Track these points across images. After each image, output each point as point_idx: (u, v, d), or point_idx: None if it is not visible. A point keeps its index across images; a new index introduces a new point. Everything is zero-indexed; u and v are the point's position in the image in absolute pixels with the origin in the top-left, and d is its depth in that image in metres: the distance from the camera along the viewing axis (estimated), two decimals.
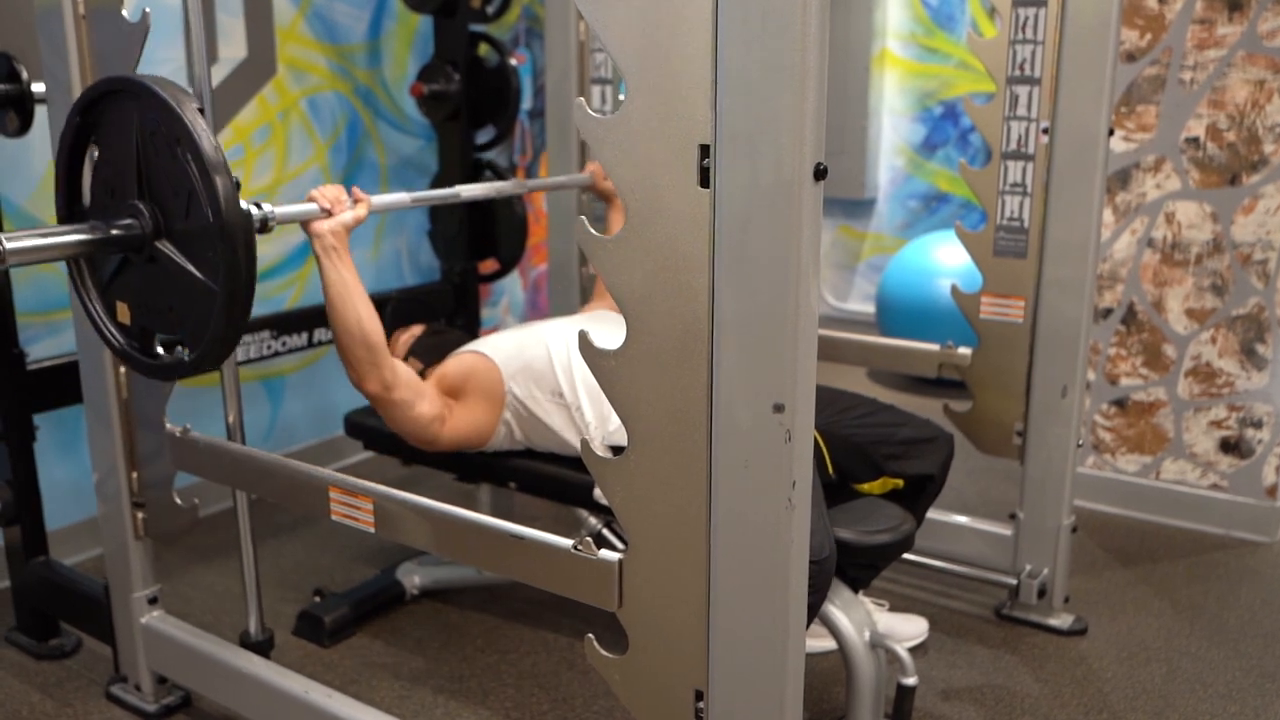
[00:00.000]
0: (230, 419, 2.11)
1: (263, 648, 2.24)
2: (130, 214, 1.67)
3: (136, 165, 1.66)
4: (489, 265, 3.65)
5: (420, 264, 3.91)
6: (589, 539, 1.47)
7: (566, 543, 1.50)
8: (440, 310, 3.61)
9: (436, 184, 3.63)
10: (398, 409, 2.18)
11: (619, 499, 1.40)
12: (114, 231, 1.67)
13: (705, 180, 1.21)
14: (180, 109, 1.57)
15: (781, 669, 1.32)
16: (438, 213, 3.64)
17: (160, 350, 1.80)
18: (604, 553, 1.45)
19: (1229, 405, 3.15)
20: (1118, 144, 3.13)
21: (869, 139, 5.41)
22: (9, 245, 1.57)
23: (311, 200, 2.05)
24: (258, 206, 1.85)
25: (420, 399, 2.21)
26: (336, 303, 2.07)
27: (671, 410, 1.31)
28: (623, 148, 1.27)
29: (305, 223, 2.05)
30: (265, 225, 1.86)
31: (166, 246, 1.67)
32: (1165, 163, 3.10)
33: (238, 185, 1.59)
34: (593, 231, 1.32)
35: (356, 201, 2.10)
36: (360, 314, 2.08)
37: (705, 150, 1.20)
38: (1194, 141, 3.05)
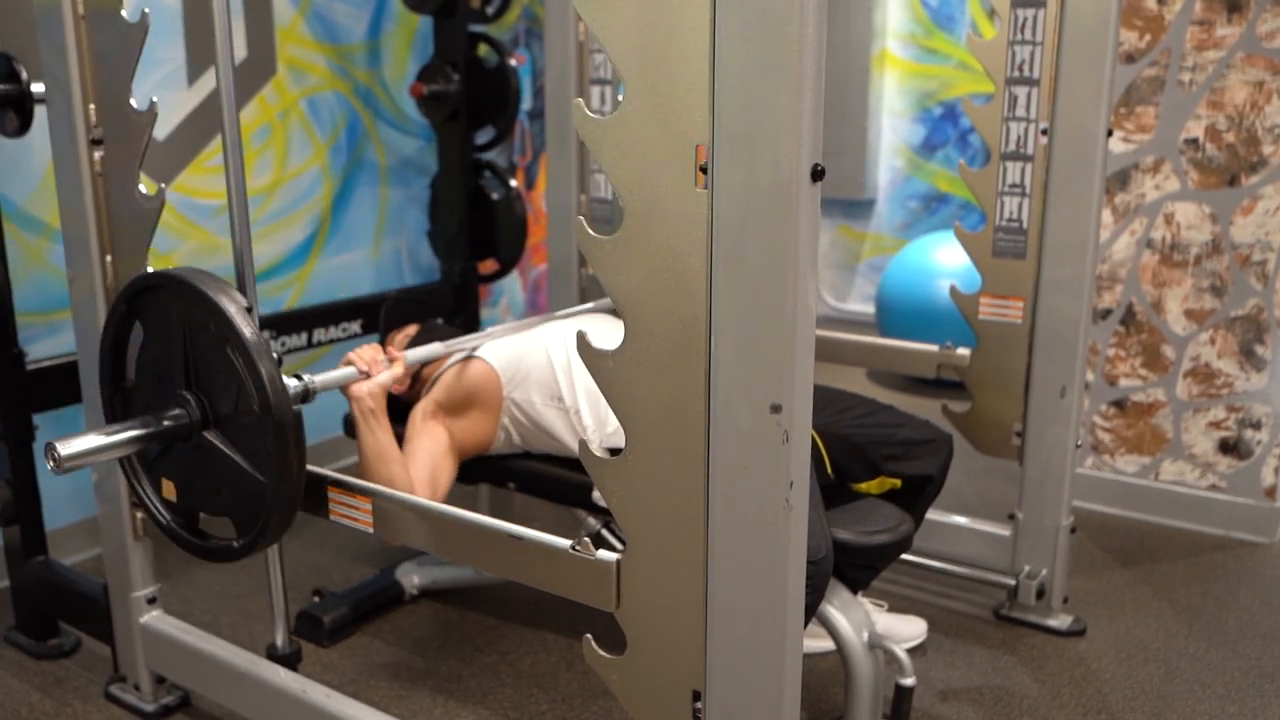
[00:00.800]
0: None
1: (290, 660, 2.21)
2: (179, 404, 1.72)
3: (184, 355, 1.70)
4: (489, 265, 3.65)
5: (420, 264, 3.92)
6: (587, 540, 1.47)
7: (565, 543, 1.50)
8: (440, 310, 3.61)
9: (436, 184, 3.63)
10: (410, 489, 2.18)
11: (617, 499, 1.40)
12: (165, 423, 1.71)
13: (703, 181, 1.21)
14: (226, 310, 1.62)
15: (779, 669, 1.32)
16: (437, 212, 3.64)
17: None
18: (602, 553, 1.45)
19: (1228, 406, 3.15)
20: (1117, 145, 3.13)
21: (868, 139, 5.41)
22: (64, 451, 1.62)
23: (349, 363, 2.11)
24: (298, 378, 1.83)
25: (439, 476, 2.22)
26: (369, 463, 2.11)
27: (669, 411, 1.31)
28: (621, 148, 1.27)
29: (344, 387, 2.10)
30: (307, 397, 1.85)
31: (215, 436, 1.71)
32: (1164, 164, 3.10)
33: (280, 362, 1.63)
34: (591, 232, 1.32)
35: (392, 361, 2.15)
36: (393, 475, 2.11)
37: (703, 151, 1.21)
38: (1193, 142, 3.05)
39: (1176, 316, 3.17)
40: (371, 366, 2.10)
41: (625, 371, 1.34)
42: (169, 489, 1.82)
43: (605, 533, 2.30)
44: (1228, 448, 3.17)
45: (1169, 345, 3.19)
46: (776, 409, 1.21)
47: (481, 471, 2.46)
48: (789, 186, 1.16)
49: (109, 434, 1.70)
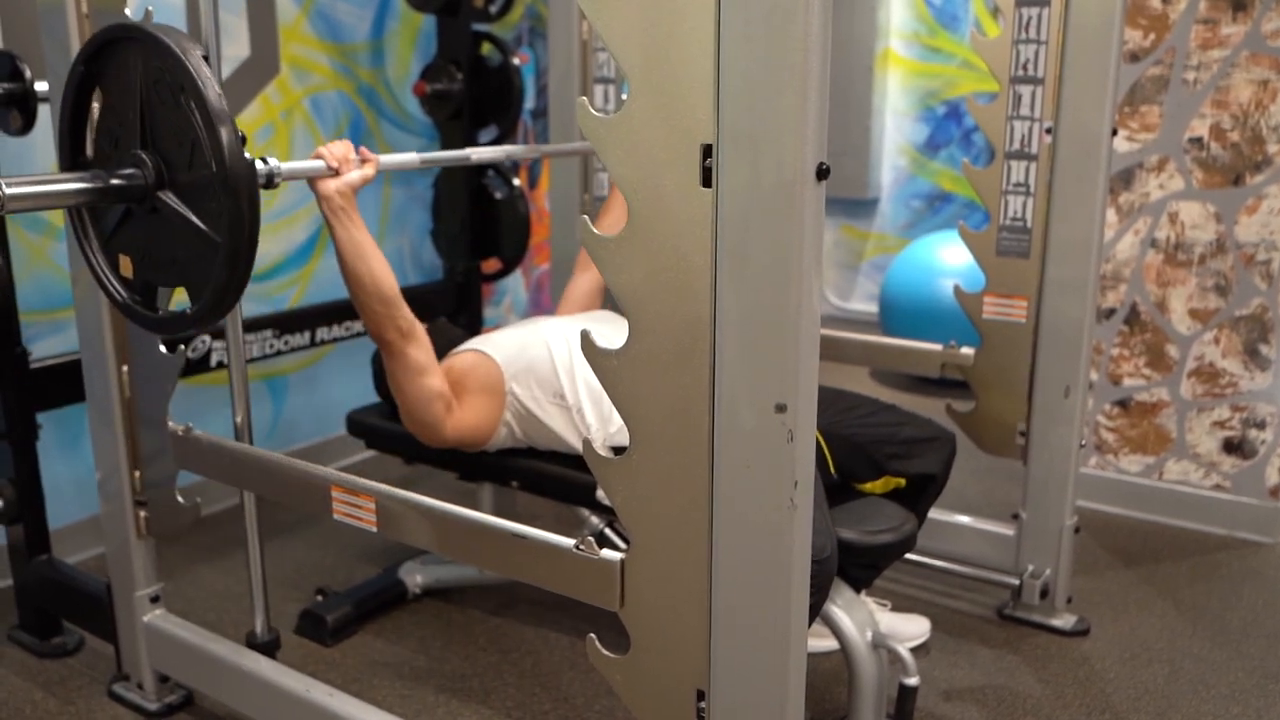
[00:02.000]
0: (239, 419, 2.11)
1: (269, 648, 2.24)
2: (133, 164, 1.63)
3: (140, 115, 1.62)
4: (492, 264, 3.65)
5: (423, 263, 3.92)
6: (591, 539, 1.47)
7: (568, 542, 1.49)
8: (443, 309, 3.61)
9: (439, 183, 3.63)
10: (411, 369, 2.18)
11: (621, 498, 1.40)
12: (116, 181, 1.63)
13: (707, 180, 1.21)
14: (185, 56, 1.53)
15: (783, 669, 1.31)
16: (440, 212, 3.64)
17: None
18: (606, 552, 1.45)
19: (1232, 406, 3.14)
20: (1121, 144, 3.13)
21: (872, 139, 5.40)
22: (9, 191, 1.54)
23: (319, 157, 2.03)
24: (264, 161, 1.84)
25: (434, 372, 2.22)
26: (349, 260, 2.09)
27: (673, 410, 1.31)
28: (625, 147, 1.26)
29: (312, 182, 2.03)
30: (271, 181, 1.86)
31: (169, 197, 1.63)
32: (1168, 163, 3.10)
33: (243, 139, 1.56)
34: (595, 231, 1.32)
35: (364, 161, 2.08)
36: (373, 269, 2.09)
37: (707, 150, 1.20)
38: (1197, 141, 3.04)
39: (1181, 316, 3.16)
40: (342, 164, 2.03)
41: (629, 370, 1.33)
42: (126, 266, 1.75)
43: (609, 532, 2.30)
44: (1232, 447, 3.17)
45: (1173, 345, 3.19)
46: (781, 408, 1.21)
47: (484, 470, 2.46)
48: (793, 186, 1.15)
49: (61, 181, 1.63)
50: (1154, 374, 3.24)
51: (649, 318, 1.30)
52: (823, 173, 1.15)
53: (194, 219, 1.61)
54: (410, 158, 2.28)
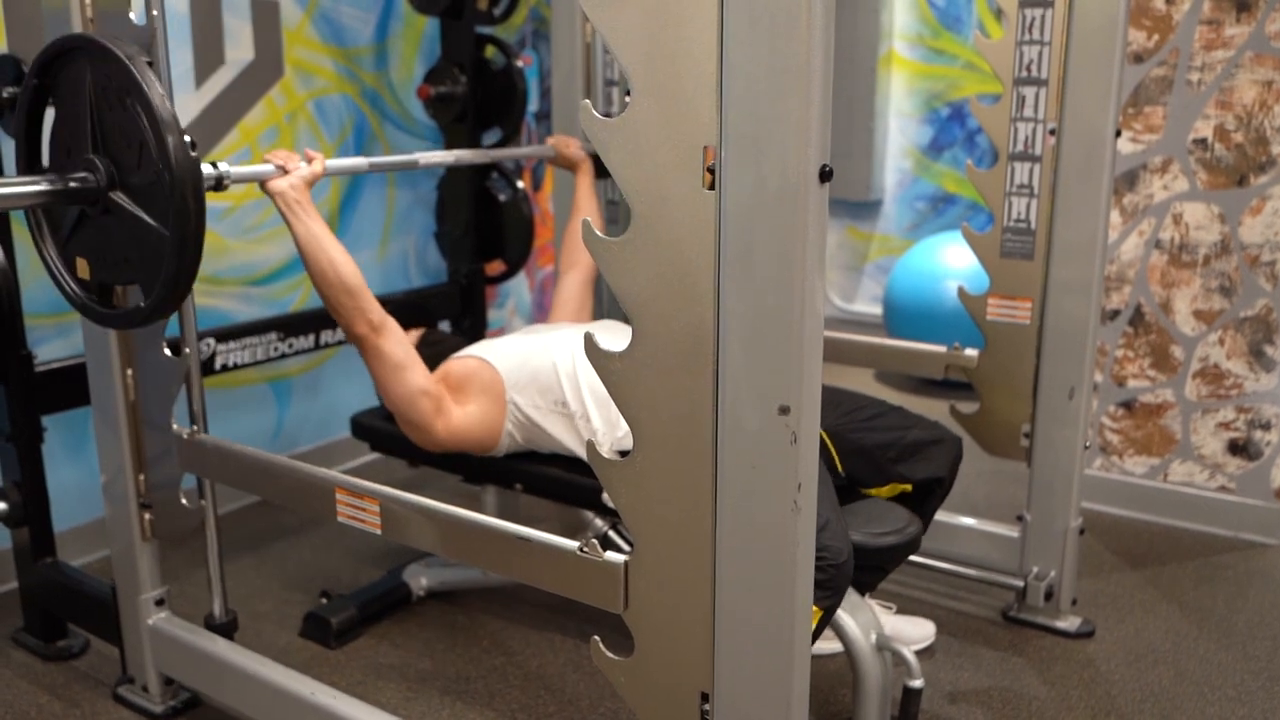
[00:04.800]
0: (194, 406, 2.10)
1: (227, 630, 2.25)
2: (85, 167, 1.71)
3: (90, 120, 1.70)
4: (495, 267, 3.65)
5: (428, 265, 3.92)
6: (595, 541, 1.47)
7: (572, 545, 1.49)
8: (447, 312, 3.61)
9: (443, 185, 3.63)
10: (388, 364, 2.22)
11: (625, 501, 1.40)
12: (70, 184, 1.71)
13: (711, 183, 1.21)
14: (129, 61, 1.61)
15: (788, 671, 1.31)
16: (444, 214, 3.64)
17: None
18: (610, 555, 1.45)
19: (1237, 407, 3.14)
20: (1125, 145, 3.12)
21: (876, 140, 5.40)
22: None
23: (266, 161, 2.13)
24: (214, 165, 1.91)
25: (414, 367, 2.25)
26: (308, 253, 2.14)
27: (677, 413, 1.31)
28: (628, 150, 1.27)
29: (263, 183, 2.12)
30: (220, 183, 1.93)
31: (121, 198, 1.70)
32: (1173, 164, 3.09)
33: (193, 145, 1.63)
34: (599, 234, 1.32)
35: (310, 160, 2.17)
36: (334, 259, 2.14)
37: (711, 152, 1.20)
38: (1201, 143, 3.04)
39: (1185, 317, 3.16)
40: (287, 161, 2.13)
41: (633, 373, 1.33)
42: (83, 268, 1.83)
43: (613, 534, 2.30)
44: (1237, 449, 3.16)
45: (1178, 346, 3.18)
46: (785, 410, 1.21)
47: (488, 473, 2.46)
48: (797, 188, 1.15)
49: (16, 184, 1.70)
50: (1158, 375, 3.23)
51: (652, 321, 1.30)
52: (826, 175, 1.15)
53: (145, 217, 1.68)
54: (359, 162, 2.40)
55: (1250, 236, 3.02)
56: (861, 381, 4.62)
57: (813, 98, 1.13)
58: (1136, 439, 3.31)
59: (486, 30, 3.45)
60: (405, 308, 3.54)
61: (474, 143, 3.42)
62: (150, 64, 1.63)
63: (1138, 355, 3.25)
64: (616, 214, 3.35)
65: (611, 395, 1.37)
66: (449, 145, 3.49)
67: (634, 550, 1.41)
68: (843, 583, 1.81)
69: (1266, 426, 3.10)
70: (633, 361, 1.33)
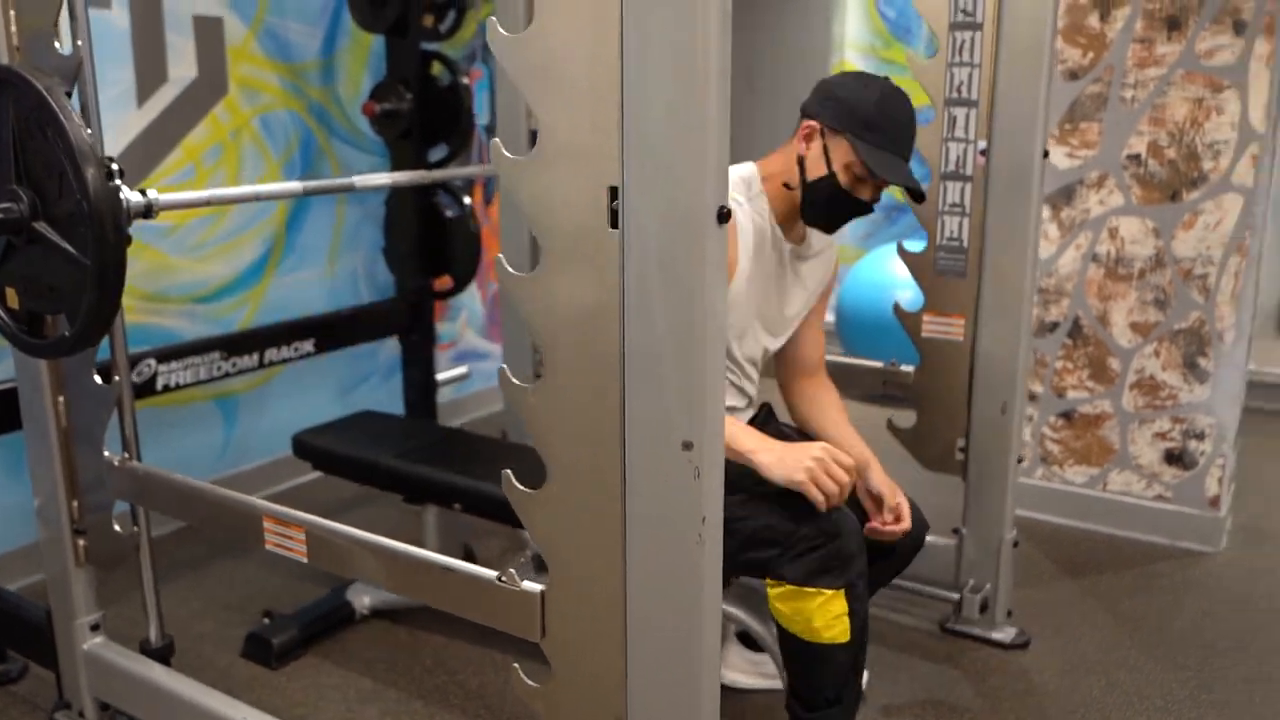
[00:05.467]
0: (126, 433, 2.09)
1: (163, 654, 2.24)
2: (9, 198, 1.72)
3: (14, 151, 1.71)
4: (444, 282, 3.66)
5: (378, 281, 3.91)
6: (513, 571, 1.48)
7: (491, 574, 1.51)
8: (395, 327, 3.62)
9: (391, 202, 3.63)
10: None
11: (539, 532, 1.41)
12: None
13: (614, 221, 1.23)
14: (47, 94, 1.62)
15: (697, 699, 1.34)
16: (391, 229, 3.64)
17: None
18: (527, 584, 1.46)
19: (1172, 417, 3.19)
20: (1062, 160, 3.18)
21: None
22: None
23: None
24: (143, 194, 1.91)
25: None
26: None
27: (587, 445, 1.33)
28: (536, 188, 1.28)
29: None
30: (150, 211, 1.92)
31: (44, 228, 1.71)
32: (1108, 179, 3.15)
33: (118, 174, 1.66)
34: (510, 269, 1.34)
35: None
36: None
37: (614, 192, 1.23)
38: (1135, 158, 3.10)
39: (1122, 329, 3.21)
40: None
41: (545, 405, 1.35)
42: (12, 297, 1.85)
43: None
44: (1173, 458, 3.22)
45: (1115, 358, 3.24)
46: (688, 446, 1.23)
47: (429, 492, 2.47)
48: (696, 229, 1.18)
49: None
50: (1097, 386, 3.28)
51: (563, 355, 1.32)
52: (723, 216, 1.18)
53: (67, 247, 1.69)
54: (293, 186, 2.57)
55: (1183, 250, 3.08)
56: None
57: (709, 142, 1.15)
58: (1076, 449, 3.36)
59: (433, 46, 3.46)
60: (352, 323, 3.55)
61: (420, 159, 3.43)
62: (69, 94, 1.64)
63: (1076, 367, 3.30)
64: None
65: (527, 426, 1.38)
66: (395, 162, 3.50)
67: (550, 580, 1.43)
68: (847, 559, 1.85)
69: (1201, 436, 3.16)
70: (545, 394, 1.35)
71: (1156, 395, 3.20)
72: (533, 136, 1.29)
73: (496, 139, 1.35)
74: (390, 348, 3.90)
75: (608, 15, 1.18)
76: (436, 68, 3.46)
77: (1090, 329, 3.25)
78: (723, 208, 1.18)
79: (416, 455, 2.56)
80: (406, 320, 3.57)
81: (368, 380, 3.97)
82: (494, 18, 1.29)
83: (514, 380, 1.37)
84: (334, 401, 3.82)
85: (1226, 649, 2.62)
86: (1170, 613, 2.81)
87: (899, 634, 2.68)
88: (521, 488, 1.41)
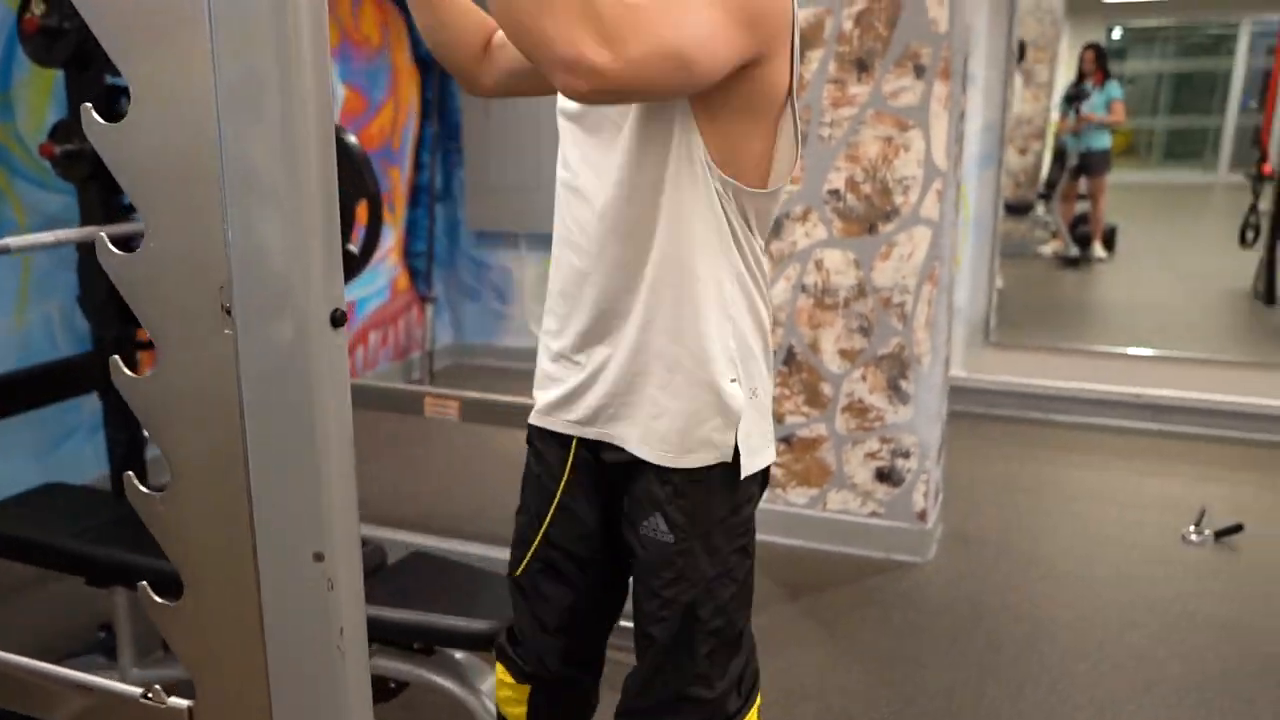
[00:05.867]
0: None
1: None
2: None
3: None
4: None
5: (79, 331, 3.63)
6: (158, 687, 1.38)
7: (136, 691, 1.40)
8: (96, 380, 3.36)
9: (83, 246, 3.38)
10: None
11: (180, 646, 1.32)
12: None
13: (228, 324, 1.16)
14: None
15: None
16: (85, 275, 3.38)
17: None
18: (174, 700, 1.36)
19: (881, 438, 3.36)
20: None
21: None
22: None
23: None
24: None
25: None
26: None
27: (219, 555, 1.24)
28: (147, 286, 1.20)
29: None
30: None
31: None
32: (812, 213, 3.28)
33: None
34: (126, 371, 1.24)
35: None
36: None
37: (225, 293, 1.15)
38: (835, 193, 3.24)
39: (832, 356, 3.35)
40: None
41: (175, 515, 1.26)
42: None
43: None
44: (883, 476, 3.39)
45: (827, 383, 3.38)
46: (319, 557, 1.17)
47: (114, 573, 2.30)
48: (308, 333, 1.12)
49: None
50: (812, 411, 3.42)
51: (188, 463, 1.23)
52: (337, 319, 1.12)
53: None
54: None
55: (882, 280, 3.24)
56: None
57: (313, 244, 1.10)
58: (797, 471, 3.48)
59: (122, 80, 3.23)
60: (44, 381, 3.28)
61: (109, 204, 3.20)
62: None
63: (793, 393, 3.42)
64: None
65: (155, 535, 1.29)
66: (84, 207, 3.25)
67: (196, 696, 1.34)
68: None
69: (906, 455, 3.34)
70: (172, 500, 1.26)
71: (865, 417, 3.36)
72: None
73: (103, 234, 1.25)
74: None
75: (204, 114, 1.10)
76: (127, 104, 3.23)
77: (803, 356, 3.38)
78: (336, 311, 1.12)
79: (96, 534, 2.37)
80: (105, 374, 3.32)
81: (72, 437, 3.68)
82: (88, 104, 1.19)
83: (139, 488, 1.27)
84: (30, 465, 3.52)
85: (929, 660, 2.77)
86: (881, 628, 2.95)
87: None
88: (158, 600, 1.31)
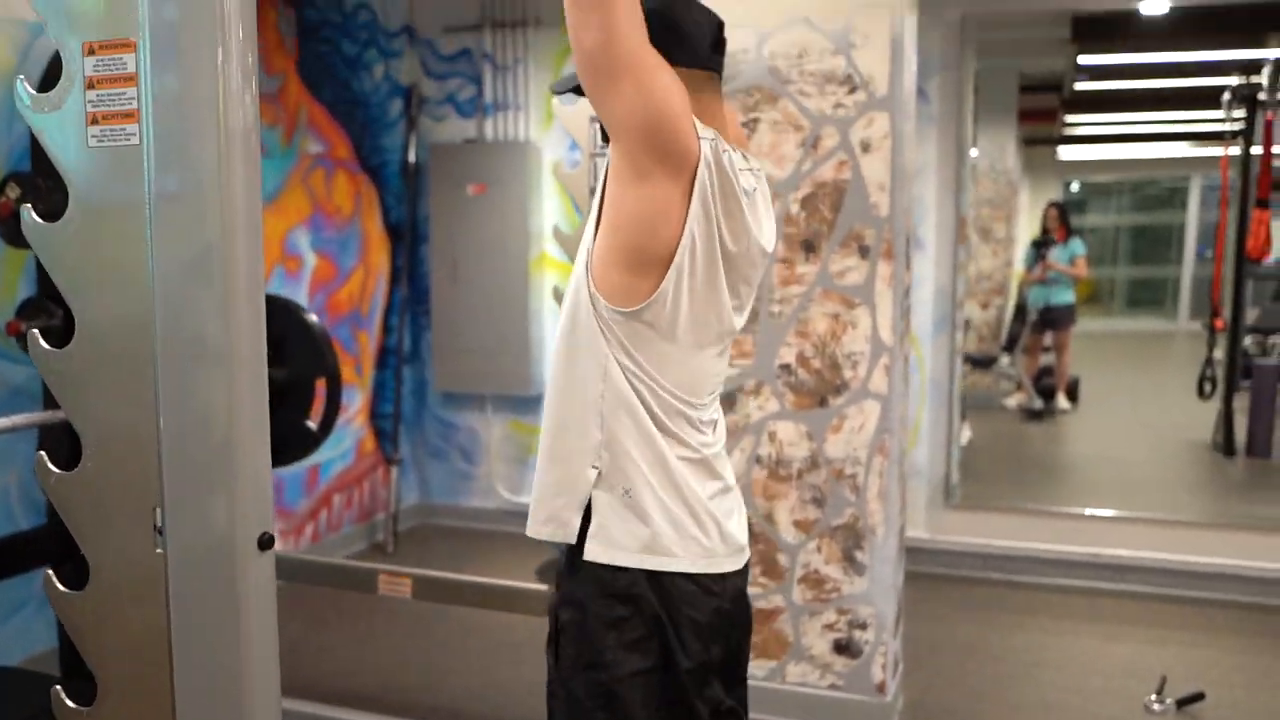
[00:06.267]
0: None
1: None
2: None
3: None
4: None
5: (36, 502, 3.63)
6: None
7: None
8: (55, 554, 3.35)
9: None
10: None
11: None
12: None
13: (159, 543, 1.19)
14: None
15: None
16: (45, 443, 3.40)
17: None
18: None
19: (838, 609, 3.36)
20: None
21: (531, 338, 5.57)
22: None
23: None
24: None
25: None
26: None
27: None
28: (83, 506, 1.23)
29: None
30: None
31: None
32: (765, 386, 3.36)
33: None
34: (60, 586, 1.27)
35: None
36: None
37: (157, 513, 1.19)
38: (786, 368, 3.32)
39: (787, 526, 3.38)
40: None
41: None
42: None
43: None
44: (841, 648, 3.38)
45: (783, 554, 3.40)
46: None
47: None
48: (235, 554, 1.15)
49: None
50: (769, 582, 3.43)
51: (115, 678, 1.25)
52: (265, 543, 1.16)
53: None
54: None
55: (834, 452, 3.30)
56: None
57: (240, 468, 1.14)
58: (756, 643, 3.46)
59: None
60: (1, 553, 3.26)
61: None
62: None
63: (750, 564, 3.43)
64: None
65: None
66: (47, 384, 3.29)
67: None
68: None
69: (864, 626, 3.34)
70: (100, 715, 1.27)
71: (822, 588, 3.37)
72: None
73: (42, 453, 1.29)
74: None
75: (142, 350, 1.16)
76: None
77: (759, 527, 3.41)
78: (264, 534, 1.16)
79: None
80: (59, 547, 3.31)
81: (21, 611, 3.63)
82: (35, 331, 1.25)
83: (67, 702, 1.28)
84: None
85: None
86: None
87: None
88: None
